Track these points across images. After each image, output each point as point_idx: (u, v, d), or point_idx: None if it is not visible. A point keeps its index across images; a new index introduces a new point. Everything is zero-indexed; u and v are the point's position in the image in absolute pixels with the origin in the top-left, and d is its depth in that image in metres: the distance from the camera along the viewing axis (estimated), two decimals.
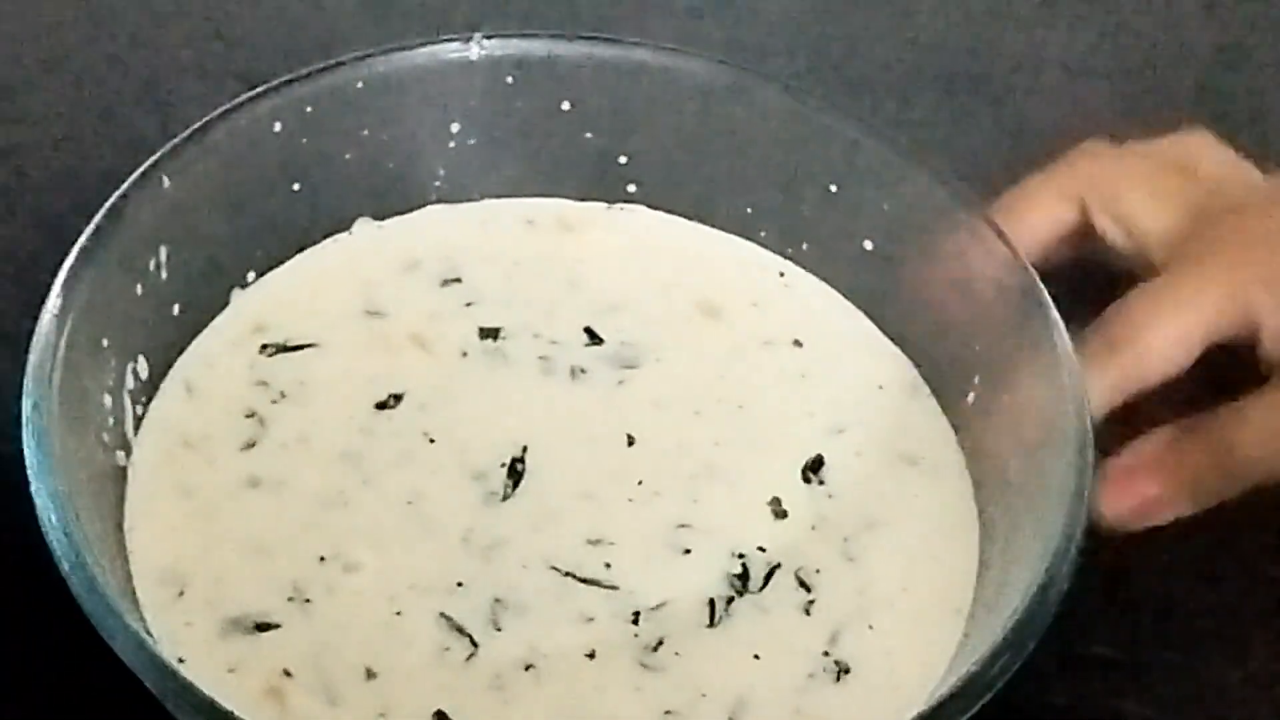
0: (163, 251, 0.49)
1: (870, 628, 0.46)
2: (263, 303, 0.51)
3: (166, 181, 0.48)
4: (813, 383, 0.51)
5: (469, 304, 0.52)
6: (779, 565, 0.47)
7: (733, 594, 0.47)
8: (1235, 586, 0.52)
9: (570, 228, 0.54)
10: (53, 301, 0.45)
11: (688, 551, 0.47)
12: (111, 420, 0.47)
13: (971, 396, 0.50)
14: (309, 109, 0.51)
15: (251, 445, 0.48)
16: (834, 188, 0.52)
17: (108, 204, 0.47)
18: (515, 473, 0.48)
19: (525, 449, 0.49)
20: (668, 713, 0.44)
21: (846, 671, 0.45)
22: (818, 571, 0.47)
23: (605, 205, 0.55)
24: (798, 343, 0.52)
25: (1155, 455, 0.49)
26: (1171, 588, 0.52)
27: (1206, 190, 0.52)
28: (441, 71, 0.52)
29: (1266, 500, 0.51)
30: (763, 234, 0.54)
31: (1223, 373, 0.50)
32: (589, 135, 0.54)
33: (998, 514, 0.48)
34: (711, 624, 0.46)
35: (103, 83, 0.62)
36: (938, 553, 0.48)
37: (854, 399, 0.51)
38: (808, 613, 0.46)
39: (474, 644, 0.45)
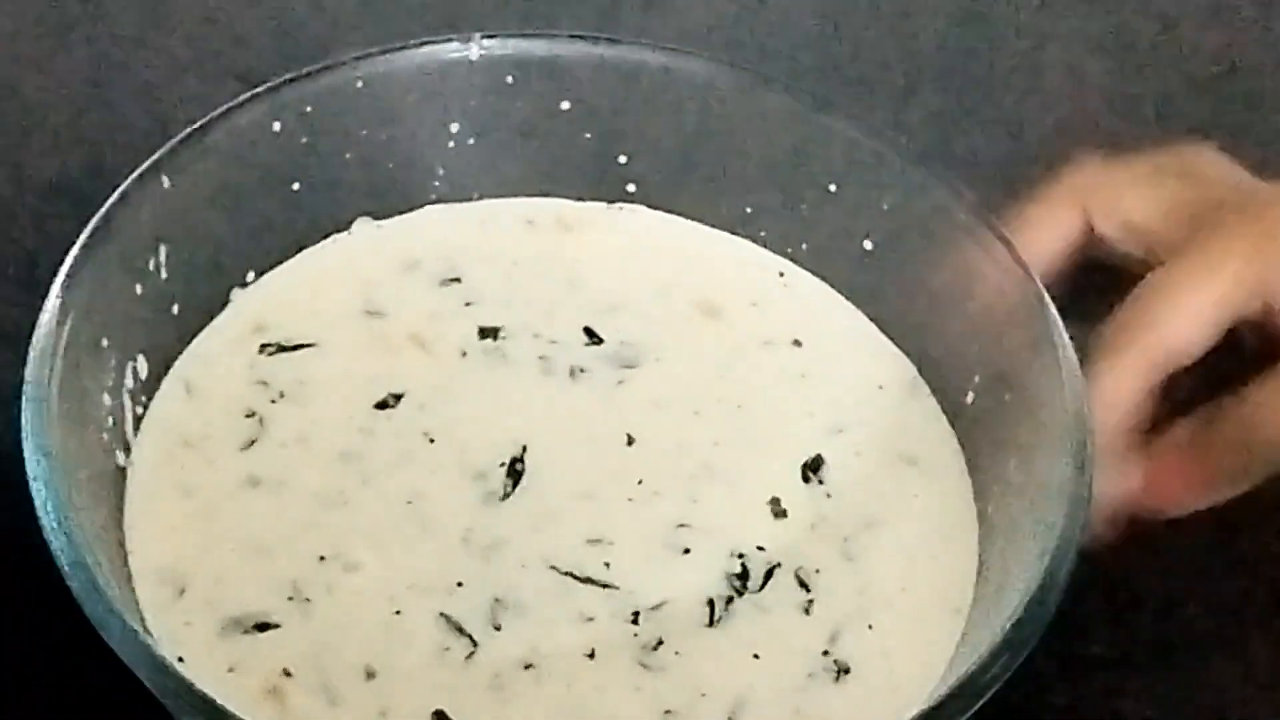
0: (162, 251, 0.49)
1: (870, 627, 0.46)
2: (262, 302, 0.51)
3: (166, 181, 0.48)
4: (812, 382, 0.51)
5: (468, 304, 0.52)
6: (778, 565, 0.47)
7: (732, 594, 0.47)
8: (1235, 586, 0.52)
9: (570, 227, 0.54)
10: (52, 301, 0.45)
11: (687, 551, 0.47)
12: (111, 420, 0.47)
13: (971, 396, 0.50)
14: (308, 109, 0.51)
15: (251, 445, 0.48)
16: (834, 188, 0.52)
17: (107, 204, 0.47)
18: (515, 472, 0.48)
19: (525, 449, 0.49)
20: (667, 712, 0.44)
21: (846, 671, 0.45)
22: (817, 571, 0.47)
23: (605, 205, 0.55)
24: (797, 342, 0.52)
25: (1177, 455, 0.48)
26: (1171, 588, 0.52)
27: (1209, 194, 0.51)
28: (441, 71, 0.52)
29: (1266, 500, 0.51)
30: (762, 234, 0.54)
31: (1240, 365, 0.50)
32: (588, 135, 0.54)
33: (997, 514, 0.48)
34: (711, 624, 0.46)
35: (103, 83, 0.62)
36: (937, 553, 0.48)
37: (854, 399, 0.51)
38: (807, 612, 0.46)
39: (474, 643, 0.45)
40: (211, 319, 0.51)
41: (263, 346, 0.50)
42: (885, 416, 0.51)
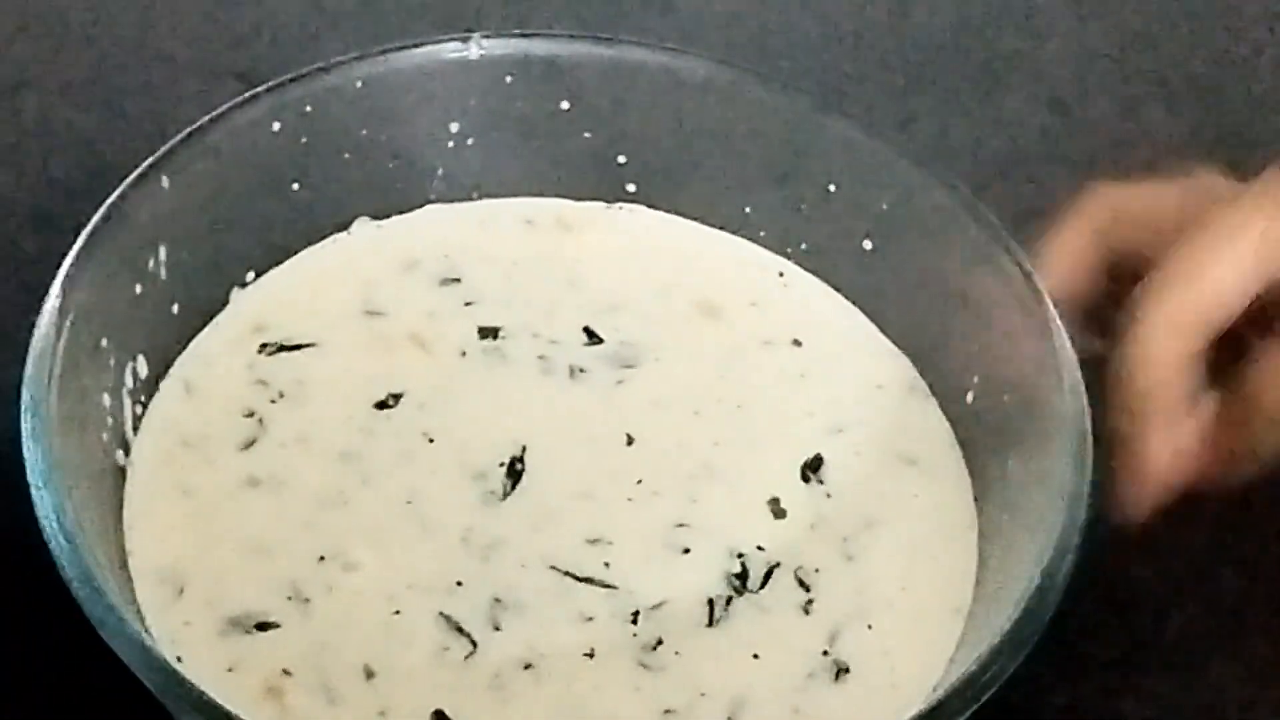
0: (162, 251, 0.49)
1: (869, 627, 0.46)
2: (262, 302, 0.51)
3: (166, 181, 0.48)
4: (812, 382, 0.51)
5: (468, 303, 0.52)
6: (778, 565, 0.47)
7: (732, 593, 0.47)
8: (1235, 586, 0.52)
9: (569, 227, 0.54)
10: (52, 301, 0.45)
11: (687, 551, 0.47)
12: (111, 420, 0.47)
13: (971, 396, 0.50)
14: (308, 108, 0.51)
15: (251, 445, 0.48)
16: (833, 188, 0.52)
17: (107, 203, 0.47)
18: (514, 472, 0.48)
19: (524, 448, 0.49)
20: (667, 712, 0.44)
21: (845, 671, 0.45)
22: (817, 571, 0.47)
23: (604, 205, 0.55)
24: (797, 342, 0.52)
25: (1183, 444, 0.48)
26: (1171, 588, 0.52)
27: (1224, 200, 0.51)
28: (441, 71, 0.52)
29: (1266, 500, 0.51)
30: (762, 234, 0.54)
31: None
32: (588, 135, 0.54)
33: (997, 514, 0.48)
34: (710, 623, 0.46)
35: (102, 82, 0.62)
36: (937, 552, 0.48)
37: (853, 399, 0.51)
38: (807, 612, 0.46)
39: (473, 643, 0.45)
40: (211, 319, 0.51)
41: (262, 346, 0.50)
42: (885, 416, 0.51)
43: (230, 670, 0.44)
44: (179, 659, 0.44)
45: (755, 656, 0.46)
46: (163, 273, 0.49)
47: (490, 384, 0.50)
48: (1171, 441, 0.47)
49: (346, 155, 0.52)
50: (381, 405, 0.50)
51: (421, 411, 0.49)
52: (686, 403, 0.50)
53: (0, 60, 0.63)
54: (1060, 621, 0.42)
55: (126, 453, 0.48)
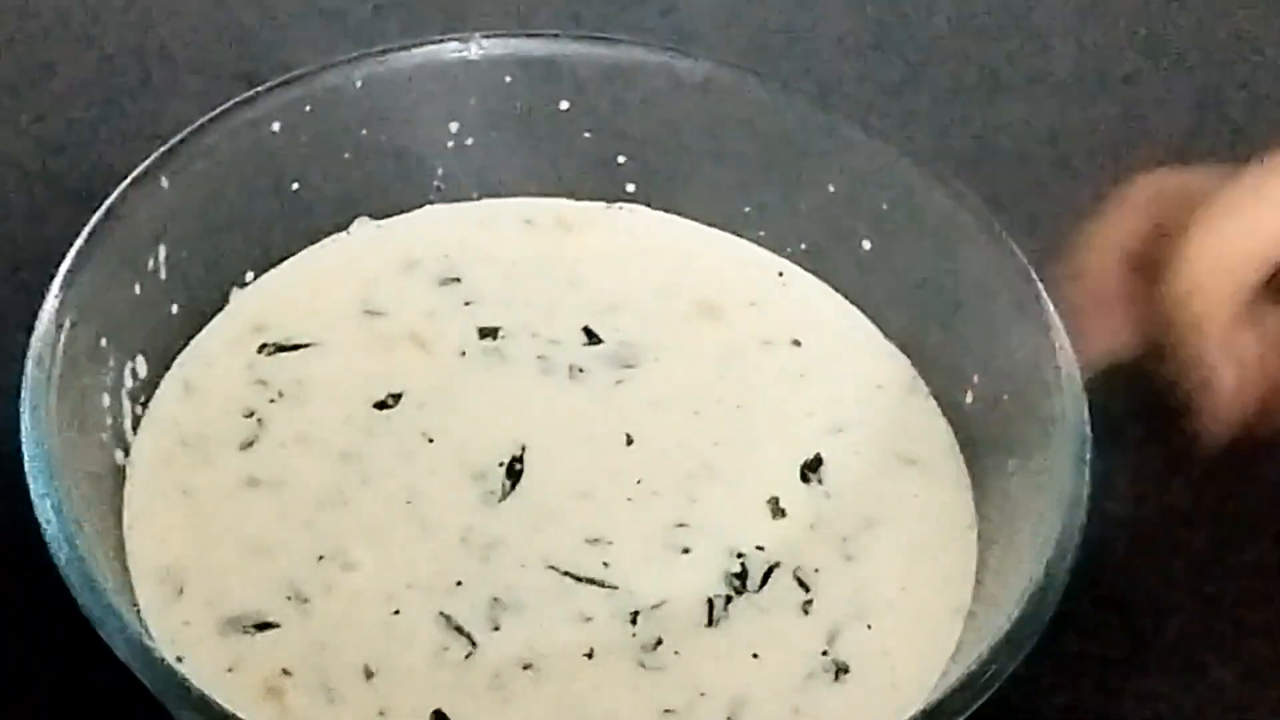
0: (161, 251, 0.49)
1: (869, 627, 0.46)
2: (261, 302, 0.51)
3: (165, 181, 0.48)
4: (811, 382, 0.51)
5: (468, 303, 0.52)
6: (777, 565, 0.47)
7: (731, 593, 0.47)
8: (1235, 586, 0.52)
9: (569, 227, 0.54)
10: (51, 301, 0.45)
11: (686, 551, 0.47)
12: (110, 419, 0.47)
13: (970, 396, 0.50)
14: (308, 108, 0.51)
15: (250, 444, 0.48)
16: (833, 188, 0.52)
17: (107, 204, 0.47)
18: (514, 472, 0.48)
19: (524, 448, 0.49)
20: (666, 712, 0.44)
21: (845, 671, 0.46)
22: (816, 571, 0.47)
23: (604, 205, 0.55)
24: (796, 342, 0.52)
25: (1249, 356, 0.47)
26: (1171, 588, 0.52)
27: None
28: (440, 71, 0.52)
29: (1266, 500, 0.51)
30: (761, 234, 0.54)
31: None
32: (588, 135, 0.54)
33: (996, 513, 0.48)
34: (710, 623, 0.46)
35: (102, 82, 0.62)
36: (936, 552, 0.48)
37: (853, 398, 0.51)
38: (806, 612, 0.46)
39: (472, 643, 0.45)
40: (210, 319, 0.51)
41: (262, 346, 0.50)
42: (884, 416, 0.51)
43: (230, 670, 0.44)
44: (179, 659, 0.44)
45: (755, 656, 0.46)
46: (162, 273, 0.49)
47: (490, 384, 0.50)
48: (1236, 355, 0.46)
49: (346, 155, 0.52)
50: (381, 405, 0.50)
51: (421, 411, 0.49)
52: (686, 403, 0.50)
53: (0, 60, 0.63)
54: (1060, 621, 0.42)
55: (126, 453, 0.48)
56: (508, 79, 0.53)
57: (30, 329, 0.44)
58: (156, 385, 0.49)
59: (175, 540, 0.46)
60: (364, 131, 0.52)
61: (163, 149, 0.49)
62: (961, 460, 0.50)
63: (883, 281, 0.52)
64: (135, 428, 0.48)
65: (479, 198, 0.54)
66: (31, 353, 0.44)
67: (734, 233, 0.54)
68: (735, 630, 0.46)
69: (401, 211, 0.54)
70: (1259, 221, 0.46)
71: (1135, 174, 0.50)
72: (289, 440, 0.48)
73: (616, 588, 0.46)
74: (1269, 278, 0.47)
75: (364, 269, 0.53)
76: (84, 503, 0.43)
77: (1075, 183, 0.62)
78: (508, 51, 0.53)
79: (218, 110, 0.50)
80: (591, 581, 0.46)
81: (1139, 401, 0.54)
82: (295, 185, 0.52)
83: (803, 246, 0.54)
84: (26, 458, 0.42)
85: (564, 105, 0.53)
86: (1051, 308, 0.47)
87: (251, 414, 0.49)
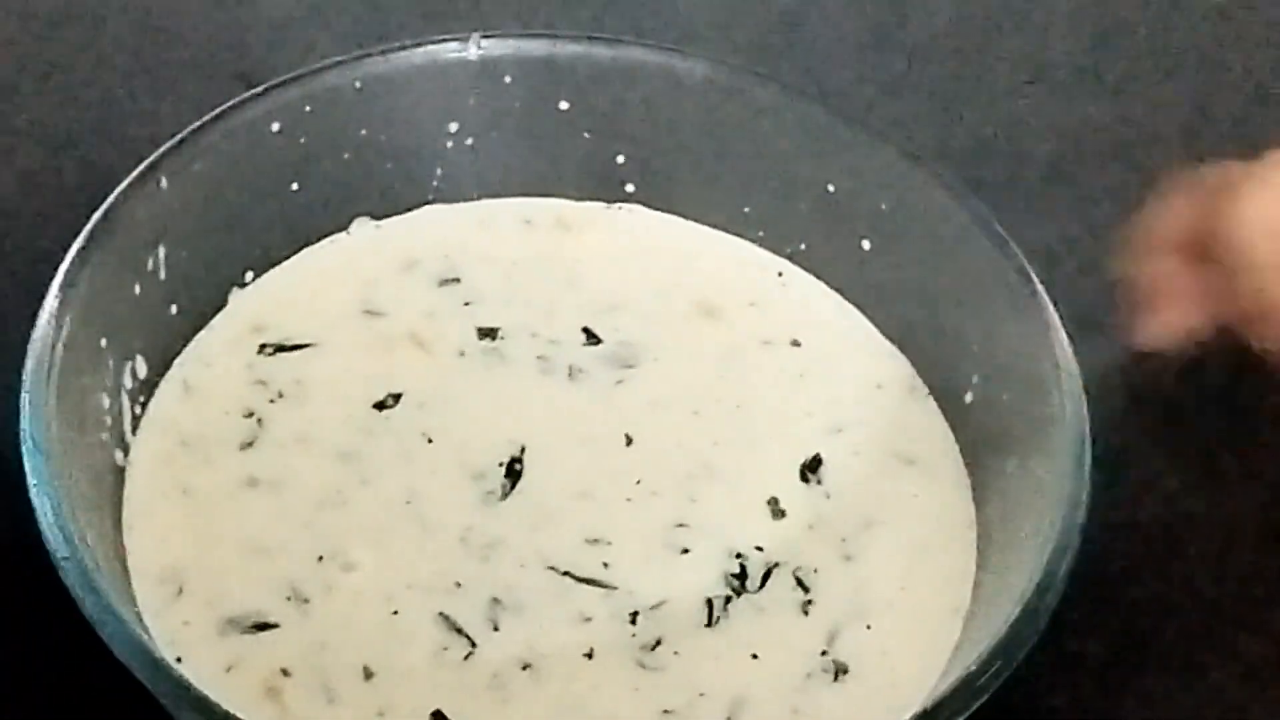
0: (161, 251, 0.49)
1: (868, 628, 0.46)
2: (261, 302, 0.51)
3: (165, 181, 0.48)
4: (811, 382, 0.51)
5: (467, 304, 0.52)
6: (777, 565, 0.47)
7: (730, 594, 0.47)
8: (1234, 586, 0.52)
9: (568, 227, 0.54)
10: (51, 301, 0.45)
11: (686, 551, 0.47)
12: (109, 420, 0.47)
13: (970, 396, 0.50)
14: (307, 109, 0.51)
15: (250, 445, 0.48)
16: (832, 188, 0.52)
17: (106, 204, 0.47)
18: (513, 472, 0.48)
19: (523, 449, 0.49)
20: (666, 712, 0.44)
21: (844, 671, 0.46)
22: (815, 571, 0.47)
23: (604, 205, 0.55)
24: (796, 342, 0.52)
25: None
26: (1171, 588, 0.52)
27: None
28: (440, 71, 0.52)
29: (1265, 500, 0.51)
30: (761, 234, 0.54)
31: None
32: (587, 135, 0.54)
33: (995, 514, 0.48)
34: (709, 624, 0.46)
35: (102, 83, 0.62)
36: (935, 553, 0.48)
37: (852, 399, 0.51)
38: (805, 612, 0.46)
39: (472, 643, 0.45)
40: (210, 319, 0.51)
41: (261, 346, 0.51)
42: (884, 416, 0.51)
43: (229, 670, 0.44)
44: (178, 659, 0.44)
45: (754, 657, 0.46)
46: (162, 273, 0.49)
47: (489, 384, 0.50)
48: None
49: (346, 155, 0.52)
50: (380, 405, 0.50)
51: (420, 411, 0.49)
52: (685, 403, 0.50)
53: (0, 60, 0.63)
54: (1060, 621, 0.42)
55: (126, 453, 0.48)
56: (507, 79, 0.53)
57: (30, 329, 0.44)
58: (156, 385, 0.49)
59: (175, 540, 0.46)
60: (364, 131, 0.52)
61: (163, 149, 0.49)
62: (961, 460, 0.50)
63: (883, 281, 0.52)
64: (135, 428, 0.48)
65: (478, 198, 0.54)
66: (31, 353, 0.44)
67: (734, 233, 0.54)
68: (735, 630, 0.46)
69: (401, 211, 0.54)
70: None
71: (1180, 169, 0.50)
72: (289, 440, 0.49)
73: (616, 588, 0.46)
74: None
75: (364, 269, 0.53)
76: (84, 503, 0.43)
77: (1075, 182, 0.62)
78: (507, 51, 0.53)
79: (217, 110, 0.50)
80: (591, 582, 0.46)
81: (1140, 401, 0.55)
82: (295, 185, 0.52)
83: (802, 246, 0.54)
84: (26, 458, 0.42)
85: (564, 105, 0.53)
86: (1051, 307, 0.47)
87: (251, 414, 0.49)
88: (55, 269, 0.46)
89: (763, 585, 0.47)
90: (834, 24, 0.67)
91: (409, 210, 0.54)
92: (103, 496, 0.46)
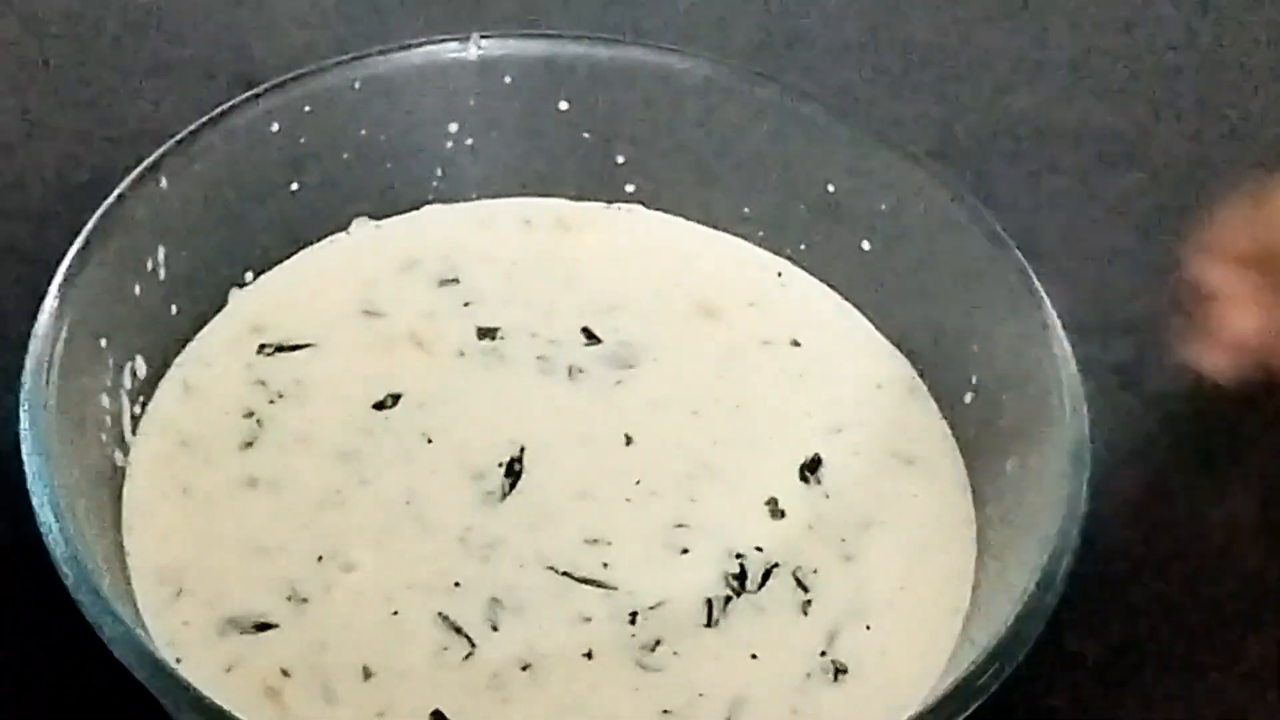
0: (160, 251, 0.49)
1: (867, 628, 0.46)
2: (261, 302, 0.51)
3: (164, 181, 0.48)
4: (810, 382, 0.51)
5: (467, 304, 0.52)
6: (776, 565, 0.47)
7: (730, 594, 0.47)
8: (1234, 586, 0.52)
9: (568, 227, 0.54)
10: (50, 301, 0.45)
11: (685, 551, 0.47)
12: (109, 420, 0.47)
13: (969, 397, 0.50)
14: (307, 109, 0.51)
15: (249, 445, 0.48)
16: (832, 188, 0.52)
17: (105, 204, 0.47)
18: (513, 472, 0.48)
19: (523, 449, 0.49)
20: (665, 712, 0.44)
21: (844, 671, 0.45)
22: (815, 571, 0.47)
23: (603, 205, 0.55)
24: (796, 343, 0.52)
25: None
26: (1171, 588, 0.52)
27: None
28: (439, 71, 0.52)
29: (1265, 500, 0.51)
30: (761, 234, 0.54)
31: None
32: (587, 135, 0.54)
33: (995, 514, 0.48)
34: (709, 624, 0.46)
35: (101, 82, 0.62)
36: (935, 553, 0.48)
37: (852, 399, 0.51)
38: (805, 613, 0.46)
39: (471, 644, 0.45)
40: (210, 319, 0.51)
41: (261, 346, 0.51)
42: (883, 416, 0.51)
43: (229, 670, 0.44)
44: (178, 659, 0.44)
45: (754, 657, 0.46)
46: (161, 273, 0.49)
47: (489, 384, 0.50)
48: None
49: (346, 155, 0.52)
50: (380, 405, 0.50)
51: (420, 412, 0.49)
52: (685, 403, 0.50)
53: (0, 60, 0.63)
54: (1060, 621, 0.42)
55: (125, 453, 0.48)
56: (507, 79, 0.53)
57: (30, 329, 0.44)
58: (156, 385, 0.49)
59: (174, 540, 0.46)
60: (363, 132, 0.52)
61: (162, 149, 0.49)
62: (960, 460, 0.50)
63: (882, 281, 0.52)
64: (135, 428, 0.48)
65: (478, 198, 0.54)
66: (31, 353, 0.44)
67: (734, 233, 0.54)
68: (734, 630, 0.46)
69: (401, 212, 0.54)
70: None
71: (1237, 184, 0.50)
72: (288, 440, 0.49)
73: (615, 588, 0.46)
74: None
75: (363, 269, 0.53)
76: (82, 502, 0.43)
77: (1075, 183, 0.62)
78: (507, 51, 0.53)
79: (217, 110, 0.50)
80: (590, 582, 0.46)
81: (1140, 402, 0.55)
82: (295, 185, 0.52)
83: (802, 246, 0.54)
84: (26, 457, 0.42)
85: (564, 105, 0.53)
86: (1050, 307, 0.47)
87: (251, 414, 0.49)
88: (55, 269, 0.46)
89: (762, 585, 0.47)
90: (834, 24, 0.67)
91: (409, 210, 0.54)
92: (103, 496, 0.46)
